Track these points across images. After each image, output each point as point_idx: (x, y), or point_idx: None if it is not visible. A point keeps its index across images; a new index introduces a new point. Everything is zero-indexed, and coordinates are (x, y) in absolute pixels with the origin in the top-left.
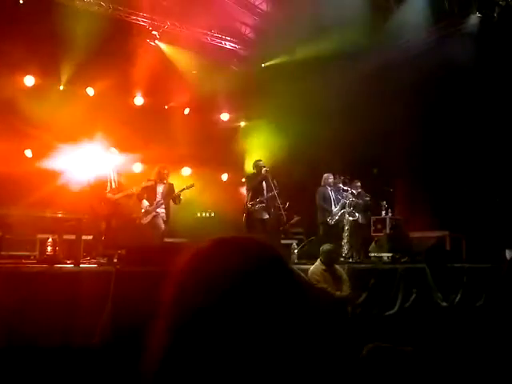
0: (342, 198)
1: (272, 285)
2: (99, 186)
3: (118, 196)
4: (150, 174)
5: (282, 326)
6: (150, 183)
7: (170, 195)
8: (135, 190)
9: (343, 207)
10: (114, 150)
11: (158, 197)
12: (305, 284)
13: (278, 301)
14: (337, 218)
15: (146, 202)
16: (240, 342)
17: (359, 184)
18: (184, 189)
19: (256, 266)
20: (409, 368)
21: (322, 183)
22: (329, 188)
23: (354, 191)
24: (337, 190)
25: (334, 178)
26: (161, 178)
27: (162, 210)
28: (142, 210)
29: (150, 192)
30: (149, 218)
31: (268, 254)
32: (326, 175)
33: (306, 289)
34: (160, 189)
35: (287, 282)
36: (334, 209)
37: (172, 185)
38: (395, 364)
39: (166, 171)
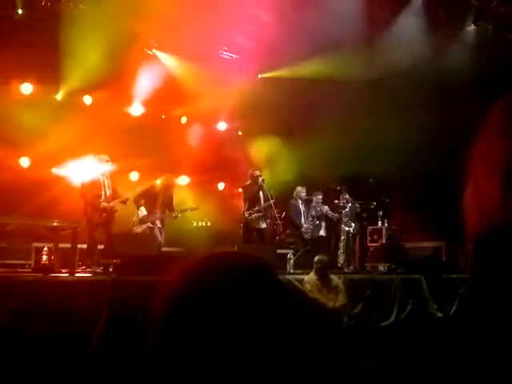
0: (316, 210)
1: (262, 302)
2: (93, 194)
3: (112, 204)
4: (147, 182)
5: (271, 341)
6: (146, 187)
7: (170, 208)
8: (129, 195)
9: (313, 219)
10: (105, 157)
11: (157, 206)
12: (297, 298)
13: (267, 318)
14: (310, 231)
15: (144, 211)
16: (228, 357)
17: (347, 196)
18: (186, 210)
19: (246, 282)
20: None
21: (294, 196)
22: (300, 201)
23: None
24: (307, 203)
25: (337, 189)
26: (166, 188)
27: (159, 225)
28: (139, 217)
29: (149, 200)
30: (143, 226)
31: (258, 270)
32: (299, 188)
33: (298, 302)
34: (161, 197)
35: (277, 298)
36: (305, 223)
37: (172, 193)
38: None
39: (172, 181)
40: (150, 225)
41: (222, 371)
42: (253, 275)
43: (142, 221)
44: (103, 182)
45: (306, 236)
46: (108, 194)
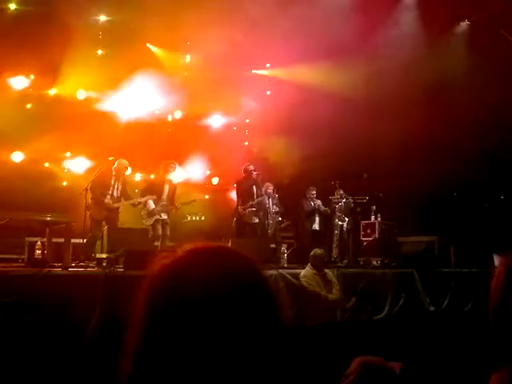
0: (308, 205)
1: (241, 295)
2: (101, 191)
3: (117, 205)
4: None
5: (249, 334)
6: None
7: (174, 199)
8: (136, 202)
9: (275, 214)
10: (125, 163)
11: (164, 198)
12: (277, 293)
13: (246, 311)
14: (270, 226)
15: (152, 204)
16: (208, 348)
17: (341, 191)
18: (186, 203)
19: (226, 275)
20: None
21: (263, 191)
22: (266, 197)
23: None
24: (273, 199)
25: (331, 184)
26: (167, 173)
27: (165, 216)
28: (147, 210)
29: (156, 190)
30: (152, 220)
31: (240, 262)
32: (266, 184)
33: (278, 298)
34: (166, 189)
35: (257, 292)
36: (268, 219)
37: (175, 186)
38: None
39: (173, 165)
40: (158, 217)
41: (201, 368)
42: (235, 270)
43: (151, 214)
44: (114, 183)
45: (269, 231)
46: (115, 195)
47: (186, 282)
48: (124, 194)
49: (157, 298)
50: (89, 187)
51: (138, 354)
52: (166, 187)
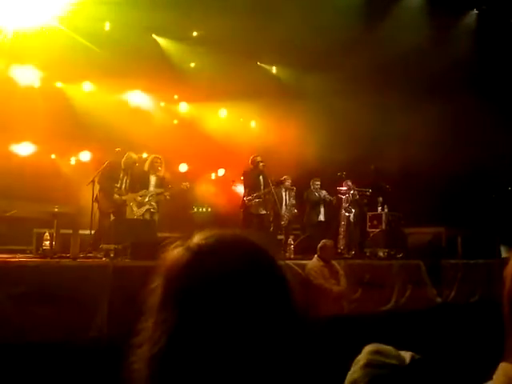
0: (313, 196)
1: (259, 285)
2: (109, 184)
3: (124, 197)
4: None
5: (266, 326)
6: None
7: (162, 189)
8: (143, 195)
9: (291, 207)
10: (133, 156)
11: (151, 189)
12: (292, 284)
13: (263, 301)
14: (285, 218)
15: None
16: (230, 342)
17: (349, 183)
18: (176, 191)
19: (248, 263)
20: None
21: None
22: (283, 189)
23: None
24: (290, 192)
25: (338, 175)
26: (154, 169)
27: (153, 209)
28: (138, 198)
29: (142, 182)
30: (142, 210)
31: (258, 252)
32: (285, 177)
33: (293, 289)
34: (153, 180)
35: (274, 282)
36: (283, 211)
37: (164, 178)
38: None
39: (159, 161)
40: (148, 207)
41: (228, 357)
42: (256, 258)
43: (141, 204)
44: (122, 177)
45: (282, 223)
46: (123, 187)
47: (209, 269)
48: (132, 187)
49: (180, 287)
50: (96, 179)
51: (163, 347)
52: (153, 178)
